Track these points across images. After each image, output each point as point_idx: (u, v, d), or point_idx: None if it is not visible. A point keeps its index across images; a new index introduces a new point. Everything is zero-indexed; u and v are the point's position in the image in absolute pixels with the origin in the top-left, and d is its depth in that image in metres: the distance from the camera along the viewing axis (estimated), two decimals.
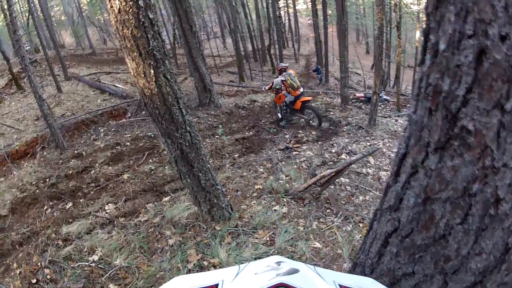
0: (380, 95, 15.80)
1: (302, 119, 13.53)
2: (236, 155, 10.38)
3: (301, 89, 12.86)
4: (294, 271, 1.32)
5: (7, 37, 14.93)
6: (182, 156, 5.40)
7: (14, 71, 21.39)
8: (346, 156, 9.99)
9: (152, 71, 4.52)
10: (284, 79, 12.73)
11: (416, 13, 33.39)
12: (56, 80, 19.90)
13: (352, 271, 2.52)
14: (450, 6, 1.22)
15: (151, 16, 4.32)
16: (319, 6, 30.56)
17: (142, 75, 4.56)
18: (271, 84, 13.66)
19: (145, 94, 4.80)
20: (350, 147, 10.75)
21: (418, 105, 1.51)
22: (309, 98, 13.32)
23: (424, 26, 1.51)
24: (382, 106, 18.29)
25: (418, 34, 35.24)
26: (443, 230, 1.55)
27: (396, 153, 1.89)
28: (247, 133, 12.67)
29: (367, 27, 49.25)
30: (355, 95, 20.12)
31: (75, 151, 12.08)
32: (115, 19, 4.19)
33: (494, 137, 1.25)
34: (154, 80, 4.58)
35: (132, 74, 4.74)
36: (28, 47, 31.68)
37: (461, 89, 1.25)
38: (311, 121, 13.27)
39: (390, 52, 30.05)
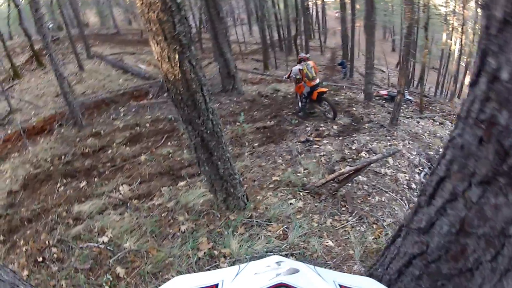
0: (404, 95, 15.64)
1: (319, 110, 13.55)
2: (256, 144, 10.35)
3: (317, 80, 12.78)
4: (294, 271, 1.33)
5: (29, 14, 15.01)
6: (202, 144, 5.35)
7: (35, 48, 21.48)
8: (365, 154, 9.92)
9: (177, 56, 4.44)
10: (301, 68, 12.62)
11: (444, 15, 32.98)
12: (79, 58, 20.14)
13: None
14: None
15: (178, 0, 4.24)
16: (348, 0, 30.25)
17: (166, 60, 4.49)
18: (289, 73, 13.54)
19: (168, 79, 4.73)
20: (370, 145, 10.65)
21: (465, 129, 1.43)
22: (325, 89, 13.29)
23: (479, 45, 1.41)
24: (404, 106, 18.09)
25: (444, 36, 34.84)
26: (471, 264, 1.50)
27: (431, 172, 1.82)
28: (268, 122, 12.64)
29: (395, 25, 48.88)
30: (379, 92, 19.93)
31: (93, 130, 12.17)
32: (141, 2, 4.11)
33: None
34: (178, 65, 4.51)
35: (156, 58, 4.66)
36: (51, 25, 31.89)
37: None
38: (326, 113, 13.36)
39: (416, 52, 29.78)
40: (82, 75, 19.48)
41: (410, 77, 27.99)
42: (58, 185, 8.53)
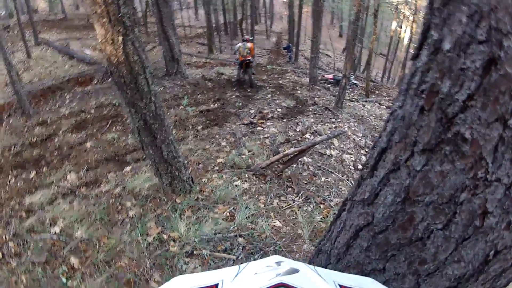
0: (350, 79, 15.87)
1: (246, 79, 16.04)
2: (199, 127, 10.29)
3: (249, 58, 15.15)
4: (294, 271, 1.32)
5: None
6: (146, 127, 5.27)
7: None
8: (310, 136, 10.00)
9: (120, 38, 4.37)
10: (240, 45, 15.25)
11: (395, 3, 33.56)
12: (26, 45, 19.57)
13: (315, 257, 2.49)
14: (463, 6, 1.14)
15: None
16: None
17: (110, 42, 4.40)
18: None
19: (111, 62, 4.63)
20: (315, 127, 10.75)
21: (406, 101, 1.44)
22: (250, 62, 15.43)
23: (422, 19, 1.44)
24: (350, 90, 18.40)
25: (394, 24, 35.54)
26: (421, 233, 1.51)
27: (373, 145, 1.83)
28: (212, 105, 12.57)
29: (343, 11, 49.46)
30: (324, 76, 20.18)
31: (40, 118, 11.82)
32: None
33: (491, 150, 1.20)
34: (122, 47, 4.43)
35: (100, 41, 4.56)
36: (3, 12, 30.91)
37: (462, 94, 1.18)
38: (245, 76, 16.08)
39: (363, 38, 30.21)
40: (30, 63, 18.95)
41: (356, 62, 28.31)
42: (10, 177, 8.30)
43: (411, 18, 32.88)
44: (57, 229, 5.86)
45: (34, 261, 5.22)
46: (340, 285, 1.31)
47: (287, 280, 1.18)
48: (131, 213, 5.98)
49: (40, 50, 20.93)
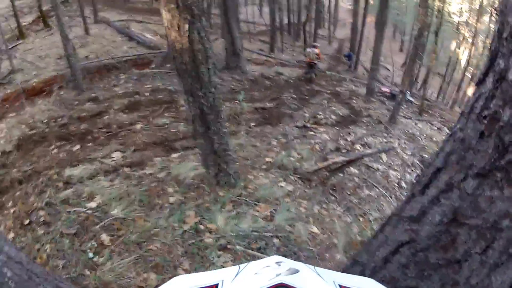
0: (406, 95, 15.68)
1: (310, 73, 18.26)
2: (252, 124, 10.30)
3: (314, 61, 17.76)
4: (294, 271, 1.28)
5: None
6: (201, 116, 5.31)
7: (43, 8, 21.28)
8: (360, 147, 9.97)
9: (186, 26, 4.42)
10: (309, 50, 18.01)
11: (456, 24, 33.00)
12: (85, 21, 19.77)
13: (349, 268, 2.48)
14: None
15: None
16: None
17: (176, 28, 4.46)
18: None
19: (175, 48, 4.69)
20: (366, 139, 10.71)
21: (468, 124, 1.45)
22: (314, 61, 17.84)
23: (490, 46, 1.44)
24: (405, 106, 18.14)
25: (454, 44, 34.87)
26: (461, 255, 1.51)
27: (428, 164, 1.83)
28: (267, 103, 12.56)
29: (406, 25, 48.78)
30: (381, 89, 20.00)
31: (92, 95, 11.95)
32: None
33: None
34: (187, 35, 4.48)
35: (165, 25, 4.63)
36: None
37: None
38: (308, 75, 18.37)
39: (423, 55, 29.82)
40: (87, 39, 19.11)
41: (414, 78, 27.97)
42: (52, 147, 8.37)
43: (470, 40, 32.29)
44: (93, 204, 5.87)
45: (63, 232, 5.24)
46: (340, 285, 1.30)
47: (287, 280, 1.15)
48: (171, 199, 5.99)
49: (99, 29, 21.17)
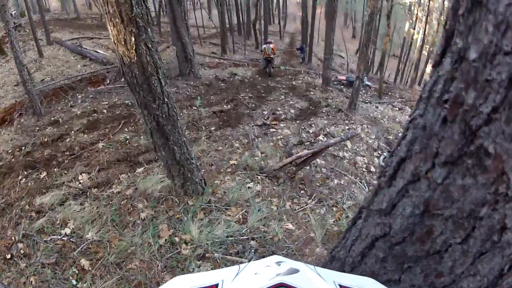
0: (363, 80, 15.81)
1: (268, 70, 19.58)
2: (212, 128, 10.24)
3: (271, 55, 19.19)
4: (294, 271, 1.31)
5: None
6: (158, 128, 5.21)
7: None
8: (323, 138, 9.99)
9: (133, 39, 4.30)
10: (264, 46, 19.39)
11: (408, 4, 33.52)
12: (38, 44, 19.44)
13: (328, 263, 2.45)
14: (489, 14, 1.10)
15: None
16: None
17: (123, 43, 4.34)
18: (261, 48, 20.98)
19: (124, 63, 4.58)
20: (328, 129, 10.74)
21: (428, 110, 1.40)
22: (271, 56, 19.32)
23: (444, 24, 1.39)
24: (363, 91, 18.38)
25: (407, 25, 35.50)
26: (439, 246, 1.47)
27: (391, 153, 1.79)
28: (225, 106, 12.53)
29: (356, 12, 49.41)
30: (337, 77, 20.21)
31: (52, 118, 11.78)
32: None
33: None
34: (134, 48, 4.37)
35: (112, 41, 4.51)
36: (14, 11, 31.01)
37: (486, 106, 1.13)
38: (267, 69, 19.78)
39: (376, 39, 30.14)
40: (42, 62, 18.87)
41: (369, 63, 28.29)
42: (20, 177, 8.23)
43: (424, 19, 32.84)
44: (67, 230, 5.84)
45: (44, 262, 5.21)
46: (340, 285, 1.31)
47: (287, 280, 1.18)
48: (142, 215, 5.94)
49: (52, 50, 20.88)
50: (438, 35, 31.26)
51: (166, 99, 4.97)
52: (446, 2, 29.32)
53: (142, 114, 5.14)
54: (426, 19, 31.88)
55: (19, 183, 8.03)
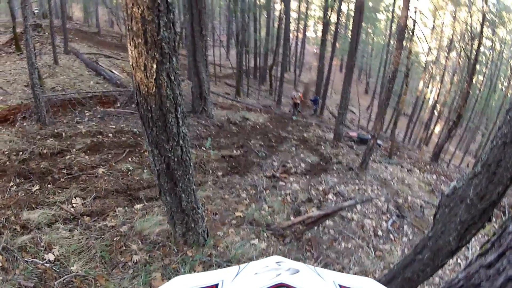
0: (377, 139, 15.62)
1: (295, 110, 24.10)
2: (220, 173, 9.94)
3: (297, 101, 24.02)
4: (294, 271, 1.34)
5: None
6: (167, 172, 4.80)
7: (17, 30, 20.91)
8: (333, 197, 9.72)
9: (154, 66, 3.86)
10: (294, 94, 24.33)
11: (424, 63, 33.84)
12: (55, 50, 19.42)
13: None
14: None
15: (169, 0, 3.71)
16: (329, 37, 30.48)
17: (142, 68, 3.89)
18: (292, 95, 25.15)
19: (140, 92, 4.11)
20: (338, 188, 10.48)
21: None
22: (298, 102, 24.04)
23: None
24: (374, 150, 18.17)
25: (421, 84, 35.71)
26: None
27: None
28: (235, 151, 12.28)
29: (371, 67, 49.87)
30: (348, 133, 20.06)
31: (55, 130, 11.50)
32: None
33: None
34: (154, 77, 3.93)
35: (130, 64, 4.04)
36: (37, 10, 31.33)
37: None
38: (294, 111, 24.29)
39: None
40: (55, 69, 18.76)
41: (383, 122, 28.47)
42: (11, 183, 7.93)
43: (437, 78, 33.13)
44: (51, 256, 5.43)
45: (22, 283, 4.78)
46: (340, 285, 1.29)
47: (287, 280, 1.19)
48: (135, 258, 5.56)
49: (68, 59, 20.89)
50: (450, 95, 31.54)
51: (181, 142, 4.56)
52: (460, 61, 29.59)
53: (152, 153, 4.70)
54: (442, 77, 32.08)
55: (9, 189, 7.68)
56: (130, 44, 3.81)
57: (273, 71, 31.10)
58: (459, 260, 8.94)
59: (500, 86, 34.27)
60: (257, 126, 17.25)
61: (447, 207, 3.44)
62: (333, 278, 1.35)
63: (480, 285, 1.81)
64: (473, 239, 3.97)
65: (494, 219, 10.68)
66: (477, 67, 22.08)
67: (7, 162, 9.00)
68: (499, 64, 31.35)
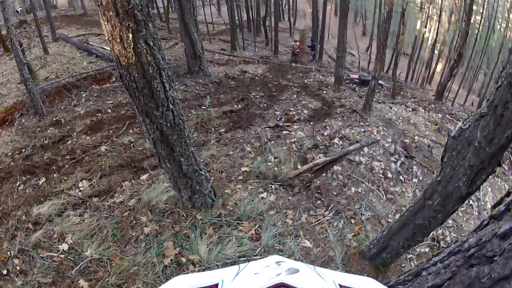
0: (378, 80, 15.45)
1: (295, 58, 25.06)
2: (222, 130, 9.83)
3: (297, 50, 25.01)
4: (294, 271, 1.34)
5: None
6: (162, 138, 4.68)
7: (3, 33, 20.70)
8: (339, 141, 9.62)
9: (130, 36, 3.69)
10: (292, 43, 25.72)
11: (419, 2, 33.53)
12: (43, 41, 19.28)
13: None
14: None
15: None
16: None
17: (118, 40, 3.73)
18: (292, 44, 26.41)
19: (120, 63, 3.97)
20: (343, 132, 10.35)
21: None
22: (297, 51, 24.94)
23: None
24: (376, 91, 18.00)
25: (418, 23, 35.40)
26: None
27: None
28: (235, 106, 12.14)
29: (367, 9, 49.32)
30: (349, 76, 19.85)
31: (54, 118, 11.46)
32: None
33: None
34: (132, 46, 3.76)
35: (106, 38, 3.89)
36: (20, 8, 30.91)
37: None
38: (294, 59, 25.15)
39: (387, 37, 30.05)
40: (47, 59, 18.65)
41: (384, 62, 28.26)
42: (18, 183, 7.93)
43: (435, 17, 32.80)
44: (65, 246, 5.44)
45: (40, 281, 4.81)
46: (340, 285, 1.28)
47: (287, 280, 1.18)
48: (146, 230, 5.54)
49: (58, 46, 20.74)
50: (449, 34, 31.26)
51: (171, 106, 4.39)
52: (457, 2, 29.22)
53: (144, 123, 4.57)
54: (439, 17, 31.69)
55: (17, 189, 7.70)
56: (103, 19, 3.66)
57: (267, 21, 30.72)
58: (471, 202, 8.90)
59: (498, 27, 33.86)
60: (256, 78, 17.06)
61: (454, 149, 3.32)
62: (333, 277, 1.35)
63: (493, 259, 1.69)
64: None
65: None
66: (474, 7, 21.68)
67: (12, 163, 9.05)
68: (495, 5, 30.89)
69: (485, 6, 30.21)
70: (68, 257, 5.20)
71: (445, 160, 3.46)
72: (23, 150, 9.58)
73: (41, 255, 5.30)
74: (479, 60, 34.03)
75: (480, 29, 30.78)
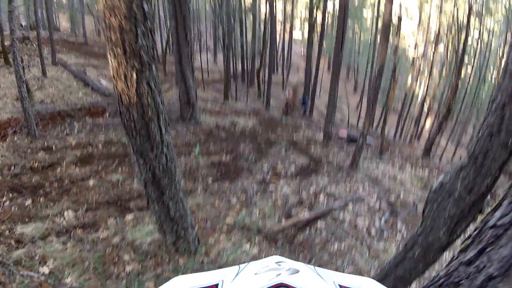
0: (366, 137, 15.65)
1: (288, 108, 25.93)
2: (210, 180, 9.91)
3: (290, 100, 26.33)
4: (294, 271, 1.28)
5: (7, 6, 13.71)
6: (154, 180, 4.78)
7: (5, 43, 20.81)
8: (324, 198, 9.65)
9: (134, 75, 3.86)
10: (287, 93, 26.93)
11: (412, 58, 34.06)
12: (43, 62, 19.30)
13: None
14: None
15: (145, 8, 3.70)
16: (315, 37, 30.56)
17: (122, 78, 3.89)
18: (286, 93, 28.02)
19: (122, 102, 4.12)
20: (329, 189, 10.44)
21: None
22: (288, 101, 26.39)
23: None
24: (363, 148, 18.20)
25: (409, 79, 35.92)
26: None
27: None
28: (224, 157, 12.21)
29: (359, 66, 49.91)
30: (337, 134, 20.03)
31: (45, 143, 11.49)
32: (104, 3, 3.53)
33: None
34: (135, 86, 3.92)
35: (111, 74, 4.03)
36: (24, 23, 31.09)
37: None
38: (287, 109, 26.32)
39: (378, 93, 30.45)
40: (44, 82, 18.67)
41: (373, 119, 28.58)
42: (4, 198, 8.00)
43: (425, 73, 33.38)
44: (46, 269, 5.52)
45: None
46: (340, 285, 1.25)
47: (287, 280, 1.15)
48: (128, 268, 5.60)
49: (56, 71, 20.81)
50: (439, 89, 31.80)
51: (165, 149, 4.55)
52: (449, 55, 29.80)
53: (137, 162, 4.70)
54: (430, 71, 32.24)
55: (3, 205, 7.75)
56: (110, 54, 3.81)
57: (261, 73, 31.06)
58: (454, 253, 8.97)
59: (489, 77, 34.40)
60: (246, 130, 17.17)
61: (435, 202, 3.45)
62: (333, 278, 1.33)
63: (460, 283, 1.79)
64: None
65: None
66: (465, 59, 22.13)
67: (0, 178, 9.01)
68: (487, 55, 31.48)
69: (476, 56, 30.81)
70: (48, 281, 5.22)
71: (426, 213, 3.57)
72: (13, 167, 9.60)
73: (21, 272, 5.29)
74: (469, 112, 34.51)
75: (470, 80, 31.34)
